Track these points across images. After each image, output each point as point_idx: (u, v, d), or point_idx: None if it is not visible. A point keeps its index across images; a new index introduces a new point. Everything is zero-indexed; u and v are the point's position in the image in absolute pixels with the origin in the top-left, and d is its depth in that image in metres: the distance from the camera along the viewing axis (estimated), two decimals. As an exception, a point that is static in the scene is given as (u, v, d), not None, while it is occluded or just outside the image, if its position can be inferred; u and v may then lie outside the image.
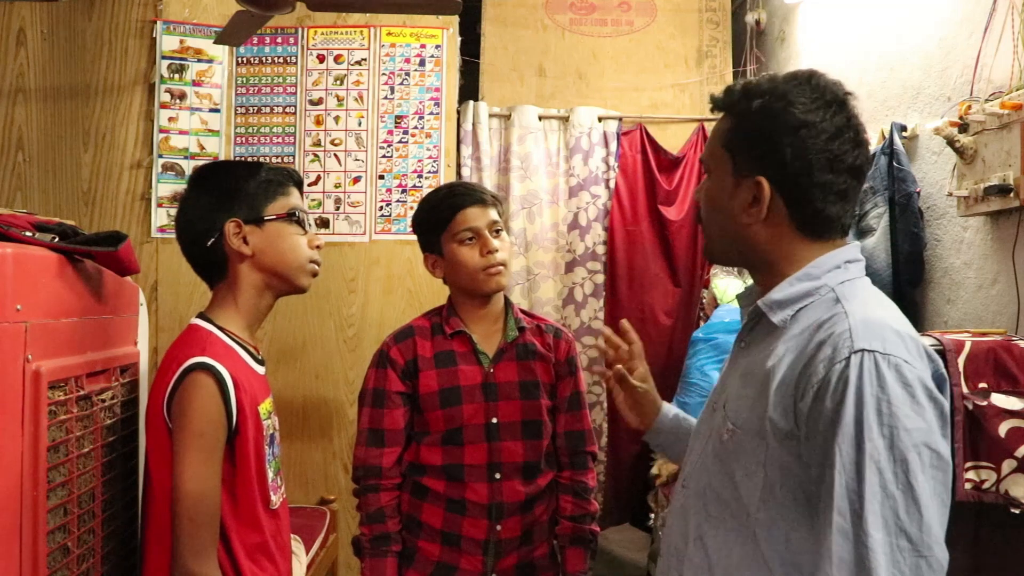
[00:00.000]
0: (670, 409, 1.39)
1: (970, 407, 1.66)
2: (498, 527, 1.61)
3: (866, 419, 0.91)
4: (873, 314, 1.00)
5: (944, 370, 1.00)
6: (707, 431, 1.15)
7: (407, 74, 3.12)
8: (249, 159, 3.02)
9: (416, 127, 3.11)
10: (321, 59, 3.09)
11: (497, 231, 1.65)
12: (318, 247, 1.44)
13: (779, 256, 1.08)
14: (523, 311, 1.75)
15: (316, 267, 1.44)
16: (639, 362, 1.39)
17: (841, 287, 1.04)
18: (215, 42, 2.71)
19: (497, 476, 1.61)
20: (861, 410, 0.91)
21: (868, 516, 0.89)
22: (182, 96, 2.93)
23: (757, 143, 1.06)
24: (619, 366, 1.37)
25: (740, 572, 1.03)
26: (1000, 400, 1.65)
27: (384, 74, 3.11)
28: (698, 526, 1.08)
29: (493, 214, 1.65)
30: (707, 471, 1.09)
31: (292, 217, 1.40)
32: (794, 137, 1.03)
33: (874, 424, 0.91)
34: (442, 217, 1.65)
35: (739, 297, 1.22)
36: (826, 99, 1.05)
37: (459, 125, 3.40)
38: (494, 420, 1.62)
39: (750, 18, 3.66)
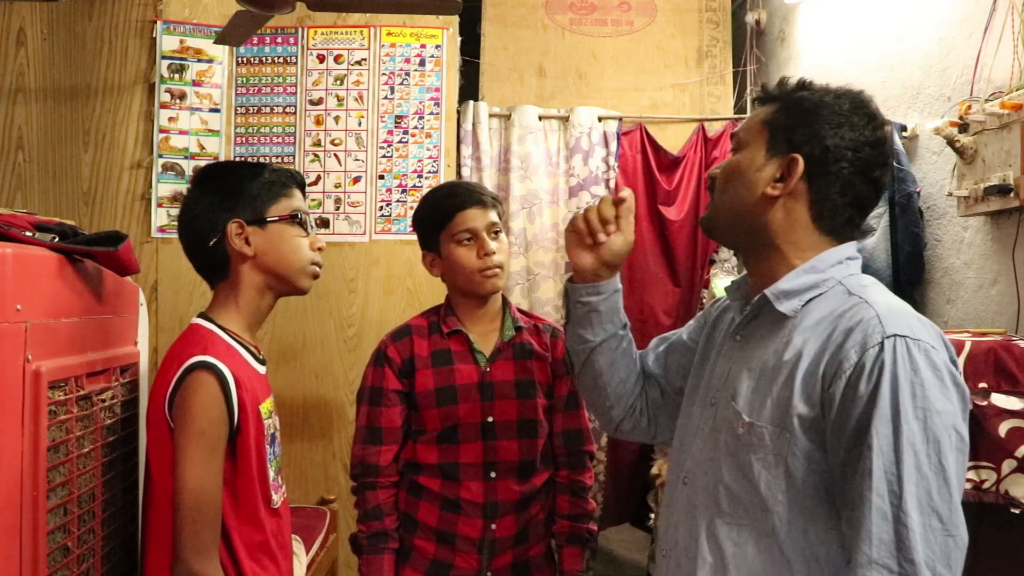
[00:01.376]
0: (619, 281, 1.31)
1: (970, 407, 1.65)
2: (493, 526, 1.61)
3: (902, 402, 0.94)
4: (893, 302, 1.04)
5: (956, 355, 1.05)
6: (706, 426, 1.15)
7: (407, 74, 3.12)
8: (249, 159, 3.02)
9: (416, 127, 3.11)
10: (321, 59, 3.09)
11: (496, 233, 1.65)
12: (320, 249, 1.44)
13: (788, 240, 1.11)
14: (521, 310, 1.76)
15: (317, 269, 1.44)
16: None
17: (848, 280, 1.08)
18: (215, 42, 2.71)
19: (492, 475, 1.62)
20: (897, 394, 0.94)
21: (907, 497, 0.92)
22: (182, 96, 2.93)
23: (802, 124, 1.10)
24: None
25: (757, 568, 1.03)
26: (1000, 400, 1.65)
27: (384, 74, 3.11)
28: (710, 523, 1.08)
29: (492, 216, 1.65)
30: (716, 467, 1.10)
31: (294, 219, 1.40)
32: (838, 129, 1.08)
33: (909, 407, 0.94)
34: (441, 217, 1.65)
35: (728, 289, 1.23)
36: (870, 114, 1.11)
37: (459, 125, 3.40)
38: (490, 419, 1.62)
39: (750, 18, 3.66)
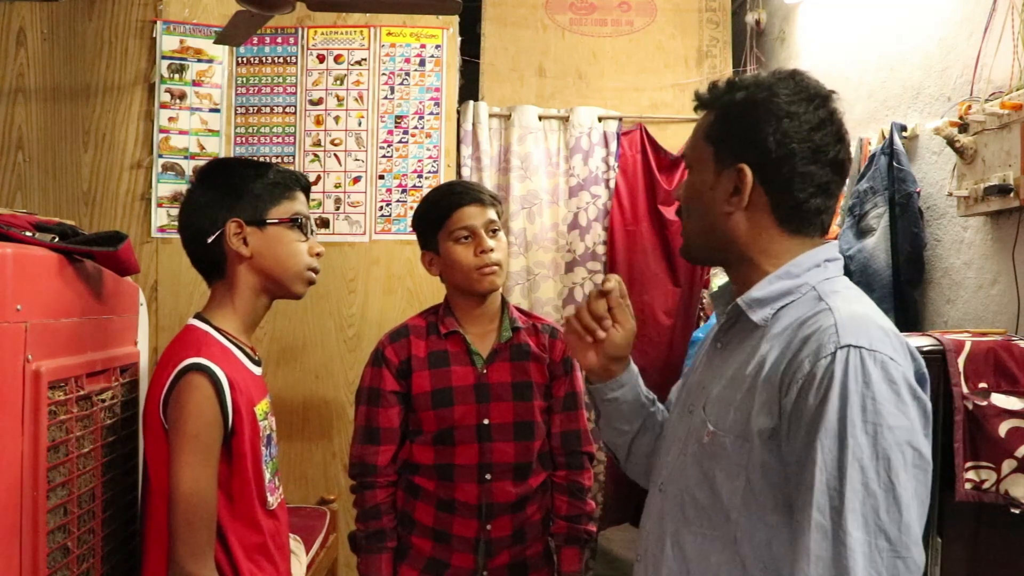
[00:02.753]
0: (634, 364, 1.29)
1: (970, 407, 1.65)
2: (488, 526, 1.61)
3: (850, 416, 0.90)
4: (858, 310, 0.99)
5: (925, 369, 0.99)
6: (683, 434, 1.12)
7: (407, 74, 3.12)
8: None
9: (416, 127, 3.11)
10: (321, 59, 3.09)
11: (494, 231, 1.65)
12: (318, 255, 1.43)
13: (758, 250, 1.07)
14: (520, 310, 1.76)
15: (313, 275, 1.43)
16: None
17: (822, 285, 1.04)
18: (215, 42, 2.71)
19: (487, 477, 1.62)
20: (845, 406, 0.90)
21: (847, 514, 0.88)
22: (182, 96, 2.93)
23: (740, 131, 1.06)
24: (617, 281, 1.21)
25: None
26: (1000, 400, 1.65)
27: (384, 74, 3.11)
28: (675, 531, 1.06)
29: (491, 214, 1.65)
30: (685, 475, 1.07)
31: (295, 222, 1.39)
32: (777, 125, 1.03)
33: (858, 421, 0.90)
34: (440, 215, 1.65)
35: (713, 296, 1.20)
36: (809, 93, 1.05)
37: (459, 125, 3.40)
38: (486, 421, 1.62)
39: (750, 18, 3.66)
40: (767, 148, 1.03)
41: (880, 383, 0.91)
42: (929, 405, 0.96)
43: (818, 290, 1.03)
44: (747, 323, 1.07)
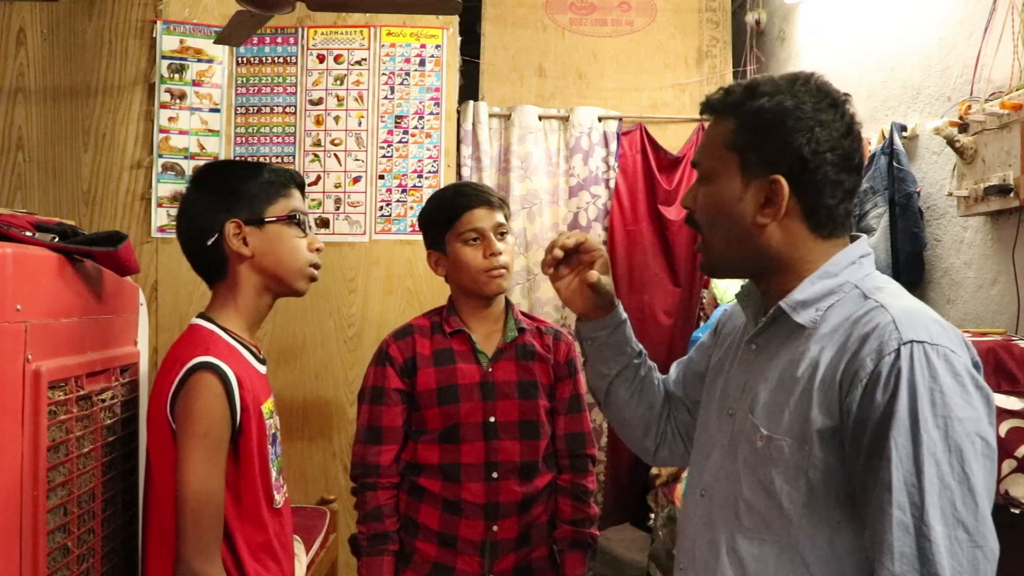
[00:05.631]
0: (623, 313, 1.34)
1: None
2: (495, 528, 1.61)
3: (921, 411, 0.91)
4: (911, 305, 1.00)
5: (979, 357, 0.99)
6: (724, 438, 1.11)
7: (407, 74, 3.11)
8: (249, 159, 3.02)
9: (416, 127, 3.11)
10: (321, 59, 3.09)
11: (502, 234, 1.65)
12: (318, 250, 1.44)
13: (795, 257, 1.06)
14: (523, 313, 1.76)
15: (315, 271, 1.43)
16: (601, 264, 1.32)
17: (863, 282, 1.04)
18: (215, 42, 2.71)
19: (494, 475, 1.61)
20: (915, 402, 0.91)
21: (929, 509, 0.89)
22: (182, 96, 2.93)
23: (771, 140, 1.04)
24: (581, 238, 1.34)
25: None
26: (1000, 400, 1.65)
27: (384, 74, 3.11)
28: (730, 538, 1.05)
29: (499, 217, 1.65)
30: (735, 481, 1.06)
31: (293, 219, 1.40)
32: (811, 134, 1.02)
33: (929, 415, 0.91)
34: (448, 215, 1.65)
35: (738, 296, 1.20)
36: (832, 99, 1.05)
37: (459, 125, 3.40)
38: (491, 419, 1.62)
39: (750, 18, 3.66)
40: (803, 157, 1.02)
41: (946, 376, 0.92)
42: (991, 393, 0.97)
43: (861, 287, 1.03)
44: (788, 325, 1.06)
